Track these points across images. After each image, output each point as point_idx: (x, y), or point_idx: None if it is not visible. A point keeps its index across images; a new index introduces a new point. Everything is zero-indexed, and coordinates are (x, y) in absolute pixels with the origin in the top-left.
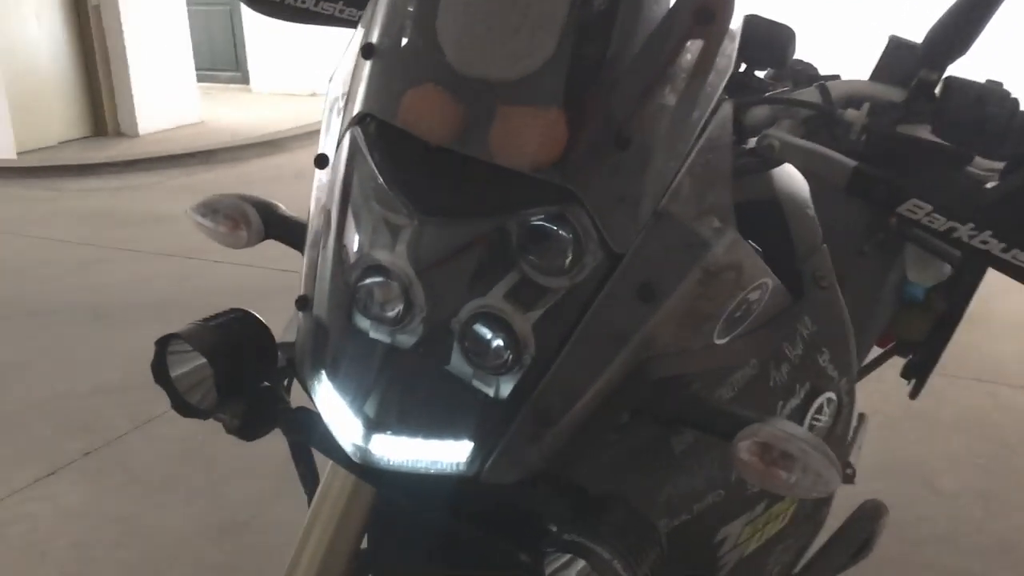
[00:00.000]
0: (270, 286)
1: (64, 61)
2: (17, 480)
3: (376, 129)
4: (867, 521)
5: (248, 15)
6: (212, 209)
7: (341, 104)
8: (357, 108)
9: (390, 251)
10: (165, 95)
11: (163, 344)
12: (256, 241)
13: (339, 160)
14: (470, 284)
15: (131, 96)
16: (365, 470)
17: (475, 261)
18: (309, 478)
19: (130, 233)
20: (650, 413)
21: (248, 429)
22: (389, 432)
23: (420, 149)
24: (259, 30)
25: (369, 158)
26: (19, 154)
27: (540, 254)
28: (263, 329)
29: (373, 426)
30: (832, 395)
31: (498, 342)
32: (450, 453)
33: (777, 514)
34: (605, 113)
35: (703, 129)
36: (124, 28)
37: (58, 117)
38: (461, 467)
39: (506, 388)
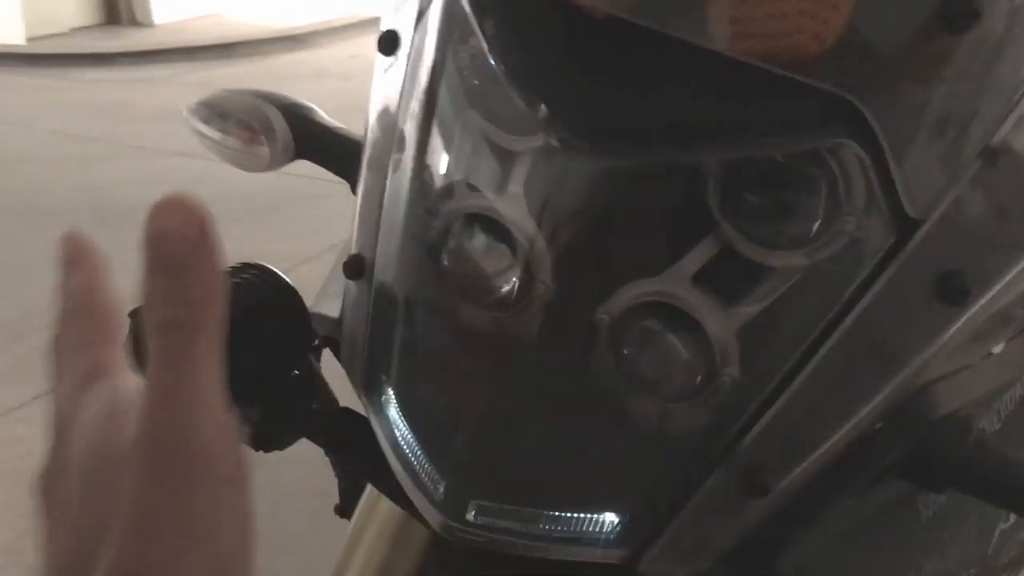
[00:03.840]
0: (300, 193)
1: None
2: (12, 398)
3: None
4: None
5: None
6: (219, 112)
7: None
8: None
9: (501, 191)
10: None
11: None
12: (283, 162)
13: (422, 39)
14: (634, 255)
15: None
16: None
17: (647, 218)
18: (348, 485)
19: (142, 129)
20: (908, 469)
21: (267, 438)
22: (490, 500)
23: (573, 24)
24: None
25: (479, 33)
26: (28, 40)
27: (761, 210)
28: (289, 295)
29: (467, 487)
30: None
31: (678, 353)
32: (591, 531)
33: None
34: None
35: None
36: None
37: (70, 2)
38: (606, 552)
39: (687, 428)
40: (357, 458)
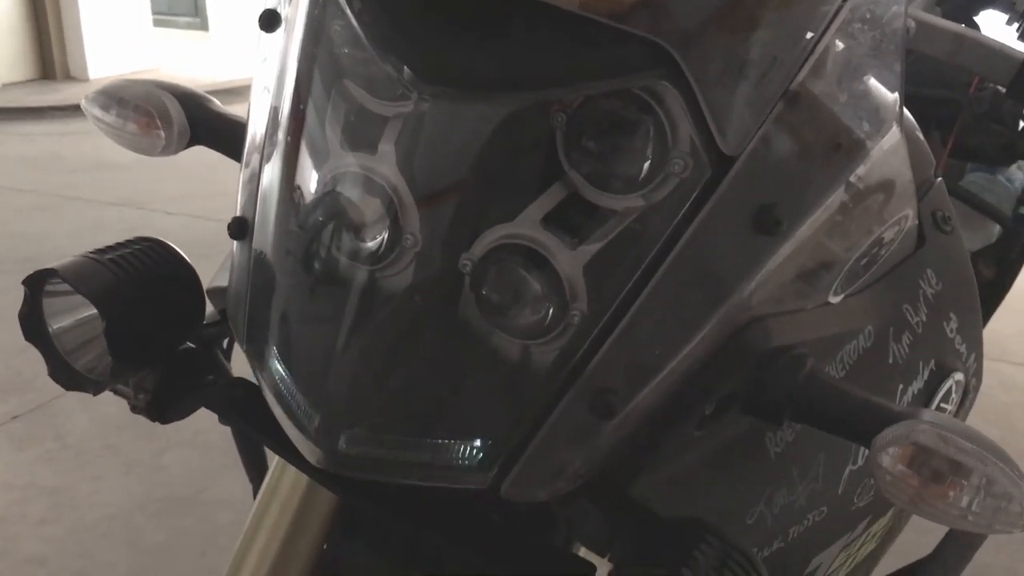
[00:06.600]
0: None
1: None
2: None
3: None
4: (965, 548)
5: None
6: (117, 99)
7: None
8: None
9: (370, 151)
10: (118, 38)
11: (37, 284)
12: (180, 147)
13: (297, 16)
14: (491, 201)
15: (81, 38)
16: (326, 477)
17: (502, 167)
18: (254, 464)
19: (75, 180)
20: (748, 402)
21: (161, 408)
22: (361, 429)
23: None
24: None
25: (346, 5)
26: None
27: (601, 157)
28: (182, 266)
29: (337, 419)
30: (960, 376)
31: (532, 290)
32: (455, 457)
33: (875, 533)
34: None
35: None
36: None
37: (2, 58)
38: (471, 478)
39: (542, 360)
40: (254, 426)
